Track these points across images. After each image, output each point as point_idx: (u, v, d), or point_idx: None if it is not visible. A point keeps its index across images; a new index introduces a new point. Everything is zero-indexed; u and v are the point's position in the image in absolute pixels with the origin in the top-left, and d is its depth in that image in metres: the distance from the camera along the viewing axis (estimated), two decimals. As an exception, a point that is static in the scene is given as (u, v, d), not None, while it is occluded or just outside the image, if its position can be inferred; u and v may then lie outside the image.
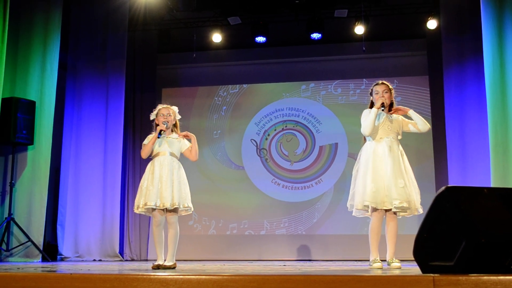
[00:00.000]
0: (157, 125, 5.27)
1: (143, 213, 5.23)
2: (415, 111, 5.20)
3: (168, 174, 5.11)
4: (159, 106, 5.39)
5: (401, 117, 5.17)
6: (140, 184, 5.18)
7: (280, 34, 10.12)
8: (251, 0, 9.31)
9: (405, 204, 4.76)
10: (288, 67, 10.33)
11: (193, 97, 10.49)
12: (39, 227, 7.84)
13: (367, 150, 5.02)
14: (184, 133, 5.35)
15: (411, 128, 5.16)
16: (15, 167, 7.88)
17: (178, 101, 10.36)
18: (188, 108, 10.33)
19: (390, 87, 5.20)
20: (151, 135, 5.31)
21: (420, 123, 5.11)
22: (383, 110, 5.05)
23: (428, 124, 5.16)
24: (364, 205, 4.86)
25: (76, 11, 9.20)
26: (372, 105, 5.18)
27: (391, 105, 5.19)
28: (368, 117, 5.04)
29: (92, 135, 8.95)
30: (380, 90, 5.11)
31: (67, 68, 9.19)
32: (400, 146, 5.05)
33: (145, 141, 5.29)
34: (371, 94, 5.23)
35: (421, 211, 4.88)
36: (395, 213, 4.90)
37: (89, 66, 9.14)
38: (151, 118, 5.39)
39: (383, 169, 4.86)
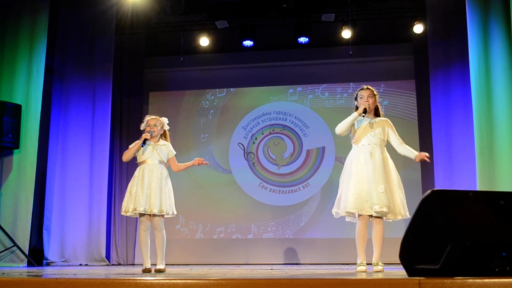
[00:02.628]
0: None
1: (131, 216, 5.49)
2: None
3: (157, 181, 5.38)
4: (148, 117, 5.66)
5: (386, 123, 5.16)
6: (129, 189, 5.43)
7: (268, 38, 10.14)
8: (238, 4, 9.32)
9: (384, 209, 4.78)
10: (275, 71, 10.35)
11: (181, 101, 10.47)
12: (24, 231, 7.77)
13: (350, 157, 5.09)
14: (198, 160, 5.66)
15: (392, 140, 5.15)
16: (1, 171, 7.82)
17: (166, 104, 10.37)
18: (176, 112, 10.32)
19: (375, 92, 5.21)
20: (138, 140, 5.55)
21: (402, 151, 5.12)
22: (363, 116, 5.06)
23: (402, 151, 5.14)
24: (346, 212, 4.90)
25: (63, 15, 9.15)
26: (357, 109, 5.20)
27: (376, 110, 5.23)
28: (346, 119, 5.11)
29: (79, 139, 8.89)
30: (365, 95, 5.14)
31: (54, 71, 9.13)
32: (384, 152, 5.04)
33: (131, 145, 5.58)
34: (356, 98, 5.25)
35: (407, 215, 4.91)
36: (380, 217, 4.91)
37: (76, 69, 9.08)
38: (141, 128, 5.67)
39: (365, 175, 4.89)
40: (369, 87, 5.23)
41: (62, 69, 9.10)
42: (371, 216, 4.91)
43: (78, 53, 9.13)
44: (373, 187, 4.83)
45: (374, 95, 5.18)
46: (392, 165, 5.04)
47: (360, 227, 4.94)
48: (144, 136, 5.44)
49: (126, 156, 5.53)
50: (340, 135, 5.21)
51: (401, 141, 5.14)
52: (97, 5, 9.01)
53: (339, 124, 5.15)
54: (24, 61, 8.07)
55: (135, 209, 5.28)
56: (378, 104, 5.24)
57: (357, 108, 5.20)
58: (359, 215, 4.92)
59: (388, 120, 5.23)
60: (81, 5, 9.13)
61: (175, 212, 5.49)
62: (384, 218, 4.93)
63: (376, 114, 5.22)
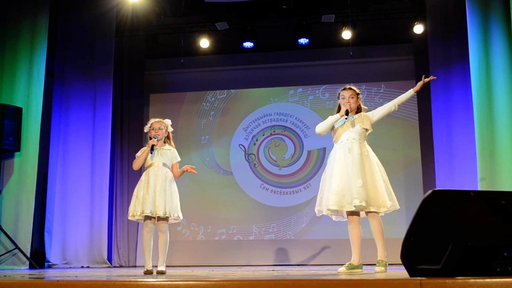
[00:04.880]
0: (150, 138, 5.57)
1: (136, 220, 5.54)
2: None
3: (162, 184, 5.42)
4: (152, 120, 5.68)
5: (363, 114, 5.13)
6: (135, 193, 5.46)
7: (268, 39, 10.14)
8: (238, 5, 9.32)
9: (363, 204, 4.76)
10: (275, 72, 10.35)
11: (181, 103, 10.47)
12: (26, 234, 7.77)
13: (331, 156, 5.10)
14: (185, 168, 5.60)
15: (379, 112, 5.11)
16: (2, 174, 7.82)
17: (166, 106, 10.37)
18: (176, 114, 10.32)
19: (357, 91, 5.20)
20: (144, 147, 5.62)
21: (395, 103, 5.08)
22: (346, 119, 5.06)
23: (391, 105, 5.10)
24: (328, 209, 4.89)
25: (63, 17, 9.16)
26: (339, 108, 5.17)
27: (358, 109, 5.20)
28: (327, 120, 5.14)
29: (80, 141, 8.90)
30: (346, 96, 5.14)
31: (54, 74, 9.15)
32: (364, 146, 4.99)
33: (138, 153, 5.63)
34: (338, 97, 5.23)
35: (394, 207, 4.89)
36: (374, 211, 4.88)
37: (77, 72, 9.09)
38: (145, 130, 5.71)
39: (344, 172, 4.89)
40: (352, 87, 5.22)
41: (62, 71, 9.12)
42: (353, 214, 4.92)
43: (78, 55, 9.14)
44: (351, 182, 4.83)
45: (357, 94, 5.17)
46: (374, 159, 4.99)
47: (349, 227, 4.97)
48: (151, 142, 5.47)
49: (136, 164, 5.55)
50: (320, 135, 5.26)
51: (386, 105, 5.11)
52: (97, 8, 9.02)
53: (319, 124, 5.20)
54: (25, 64, 8.07)
55: (143, 212, 5.30)
56: (360, 103, 5.22)
57: (339, 107, 5.18)
58: (347, 216, 4.94)
59: (364, 113, 5.18)
60: (81, 8, 9.14)
61: (181, 216, 5.50)
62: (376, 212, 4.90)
63: (358, 112, 5.21)
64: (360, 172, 4.84)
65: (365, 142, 5.04)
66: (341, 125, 5.09)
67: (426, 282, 2.54)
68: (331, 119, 5.11)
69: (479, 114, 7.08)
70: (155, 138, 5.49)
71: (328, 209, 4.90)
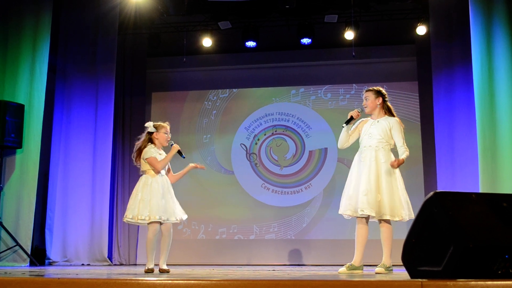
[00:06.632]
0: (150, 137, 5.59)
1: (135, 224, 5.50)
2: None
3: (170, 190, 5.51)
4: (162, 123, 5.66)
5: (388, 124, 5.10)
6: (141, 197, 5.39)
7: (270, 39, 10.13)
8: (241, 5, 9.31)
9: (365, 212, 4.77)
10: (278, 72, 10.34)
11: (183, 101, 10.47)
12: (27, 231, 7.78)
13: (353, 160, 5.10)
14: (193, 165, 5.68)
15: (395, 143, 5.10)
16: (3, 171, 7.82)
17: (168, 105, 10.38)
18: (178, 112, 10.32)
19: (377, 89, 5.18)
20: (152, 148, 5.55)
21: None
22: (343, 127, 5.11)
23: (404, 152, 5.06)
24: (345, 214, 4.93)
25: (66, 14, 9.16)
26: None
27: (389, 109, 5.20)
28: (341, 134, 5.20)
29: (81, 139, 8.90)
30: (363, 99, 5.22)
31: (57, 71, 9.14)
32: (380, 153, 4.98)
33: (153, 154, 5.49)
34: None
35: (408, 217, 4.89)
36: (385, 219, 4.89)
37: (79, 69, 9.09)
38: (149, 129, 5.64)
39: (356, 178, 4.94)
40: (370, 88, 5.23)
41: (65, 68, 9.11)
42: (364, 217, 4.93)
43: (81, 53, 9.13)
44: (359, 189, 4.85)
45: (375, 94, 5.15)
46: (390, 168, 4.97)
47: (357, 228, 4.97)
48: (176, 148, 5.53)
49: (162, 167, 5.47)
50: (342, 149, 5.34)
51: (401, 145, 5.05)
52: (100, 5, 9.01)
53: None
54: (27, 61, 8.07)
55: (160, 218, 5.29)
56: (388, 103, 5.22)
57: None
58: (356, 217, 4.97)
59: (393, 120, 5.14)
60: (84, 5, 9.13)
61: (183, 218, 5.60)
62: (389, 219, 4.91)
63: (390, 113, 5.19)
64: (371, 180, 4.85)
65: (385, 148, 5.01)
66: (364, 129, 5.11)
67: (427, 284, 2.54)
68: (342, 132, 5.18)
69: (481, 115, 7.07)
70: (171, 144, 5.58)
71: (344, 214, 4.92)
